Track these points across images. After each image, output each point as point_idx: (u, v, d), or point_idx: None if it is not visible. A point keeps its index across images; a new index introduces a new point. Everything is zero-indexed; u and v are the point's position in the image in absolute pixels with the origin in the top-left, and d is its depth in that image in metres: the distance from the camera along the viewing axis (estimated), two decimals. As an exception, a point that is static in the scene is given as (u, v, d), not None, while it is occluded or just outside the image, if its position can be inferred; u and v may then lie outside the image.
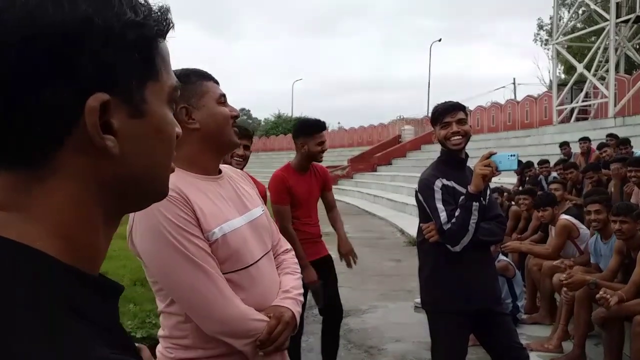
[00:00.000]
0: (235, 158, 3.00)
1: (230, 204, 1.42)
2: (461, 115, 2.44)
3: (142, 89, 0.54)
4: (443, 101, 2.54)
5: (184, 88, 1.33)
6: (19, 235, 0.48)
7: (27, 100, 0.48)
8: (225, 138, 1.43)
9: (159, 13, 0.56)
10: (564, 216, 4.55)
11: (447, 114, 2.42)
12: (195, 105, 1.38)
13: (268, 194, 3.23)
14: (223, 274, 1.34)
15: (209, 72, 1.48)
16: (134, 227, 1.33)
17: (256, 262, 1.42)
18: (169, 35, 0.58)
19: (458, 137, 2.39)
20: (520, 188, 6.78)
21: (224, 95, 1.43)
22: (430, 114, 2.59)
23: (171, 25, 0.58)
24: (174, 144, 0.60)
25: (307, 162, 3.30)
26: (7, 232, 0.48)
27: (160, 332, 1.44)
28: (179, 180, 1.33)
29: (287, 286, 1.49)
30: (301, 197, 3.26)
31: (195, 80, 1.40)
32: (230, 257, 1.36)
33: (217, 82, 1.45)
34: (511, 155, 2.34)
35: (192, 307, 1.32)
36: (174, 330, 1.38)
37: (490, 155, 2.34)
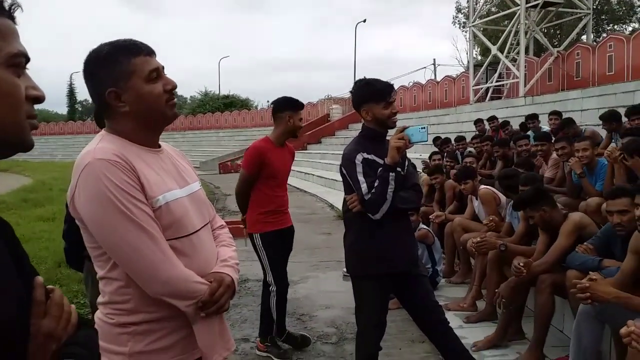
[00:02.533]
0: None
1: (171, 176, 1.46)
2: (395, 95, 2.62)
3: None
4: (371, 78, 2.63)
5: (111, 70, 1.36)
6: None
7: None
8: (158, 115, 1.43)
9: None
10: (483, 187, 4.94)
11: (390, 93, 2.56)
12: (123, 87, 1.37)
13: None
14: (167, 240, 1.38)
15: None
16: (76, 192, 1.34)
17: (197, 231, 1.48)
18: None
19: (395, 118, 2.59)
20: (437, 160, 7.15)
21: (155, 70, 1.40)
22: (360, 90, 2.62)
23: (15, 5, 0.74)
24: (16, 101, 0.74)
25: (287, 136, 3.54)
26: None
27: (100, 299, 1.45)
28: (124, 149, 1.37)
29: (225, 256, 1.56)
30: (278, 168, 3.49)
31: (123, 60, 1.37)
32: (173, 225, 1.40)
33: (150, 53, 1.42)
34: (422, 128, 2.53)
35: (136, 269, 1.35)
36: (115, 296, 1.40)
37: (404, 129, 2.53)
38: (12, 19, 0.75)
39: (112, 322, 1.39)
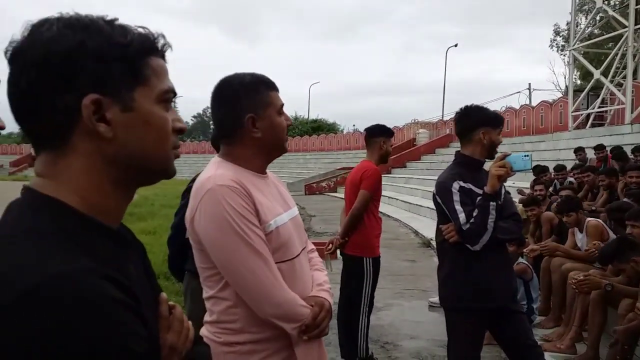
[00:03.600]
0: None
1: (277, 201, 1.55)
2: None
3: (131, 91, 0.76)
4: (473, 104, 2.68)
5: (253, 98, 1.49)
6: (52, 193, 0.74)
7: (47, 103, 0.71)
8: (279, 146, 1.57)
9: (151, 37, 0.80)
10: (591, 219, 4.60)
11: (502, 122, 2.67)
12: (260, 115, 1.50)
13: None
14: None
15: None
16: (197, 214, 1.43)
17: (298, 255, 1.54)
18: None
19: None
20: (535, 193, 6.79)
21: (282, 105, 1.55)
22: (477, 114, 2.64)
23: (167, 45, 0.83)
24: (165, 133, 0.82)
25: (381, 160, 3.72)
26: (45, 190, 0.74)
27: (208, 318, 1.52)
28: (239, 175, 1.47)
29: (320, 280, 1.61)
30: (380, 191, 3.72)
31: (263, 91, 1.51)
32: (281, 248, 1.48)
33: (278, 90, 1.56)
34: (525, 156, 2.43)
35: (250, 291, 1.41)
36: (223, 315, 1.46)
37: (505, 156, 2.43)
38: (164, 57, 0.83)
39: (219, 340, 1.46)
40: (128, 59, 0.75)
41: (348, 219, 3.61)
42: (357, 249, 3.57)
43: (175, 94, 0.84)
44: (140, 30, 0.79)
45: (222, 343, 1.44)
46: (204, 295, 1.54)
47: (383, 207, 16.38)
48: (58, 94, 0.71)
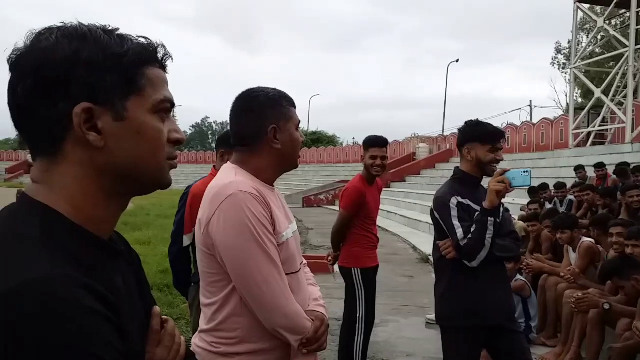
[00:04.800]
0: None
1: (284, 214, 1.56)
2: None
3: (124, 101, 0.76)
4: (482, 121, 2.63)
5: (276, 110, 1.53)
6: (44, 199, 0.74)
7: (42, 111, 0.72)
8: (293, 160, 1.61)
9: (149, 47, 0.80)
10: (586, 239, 4.56)
11: (499, 139, 2.54)
12: (282, 127, 1.54)
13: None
14: None
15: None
16: (214, 219, 1.41)
17: (299, 269, 1.56)
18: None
19: (497, 165, 2.53)
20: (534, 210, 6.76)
21: (300, 122, 1.61)
22: (469, 129, 2.60)
23: (167, 56, 0.83)
24: (158, 144, 0.80)
25: (368, 174, 3.57)
26: (38, 197, 0.75)
27: (204, 326, 1.49)
28: (256, 184, 1.47)
29: (316, 295, 1.62)
30: (372, 205, 3.57)
31: (285, 105, 1.56)
32: (288, 260, 1.48)
33: (296, 107, 1.62)
34: (524, 172, 2.40)
35: (262, 300, 1.39)
36: (225, 324, 1.44)
37: (504, 172, 2.41)
38: (164, 68, 0.83)
39: (216, 350, 1.43)
40: (122, 68, 0.75)
41: (331, 236, 3.68)
42: (346, 260, 3.56)
43: (173, 105, 0.83)
44: (141, 40, 0.79)
45: (219, 353, 1.42)
46: (204, 301, 1.51)
47: (381, 222, 16.38)
48: (52, 102, 0.72)
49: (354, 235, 3.54)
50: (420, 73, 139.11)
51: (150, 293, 0.94)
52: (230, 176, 1.48)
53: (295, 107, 1.61)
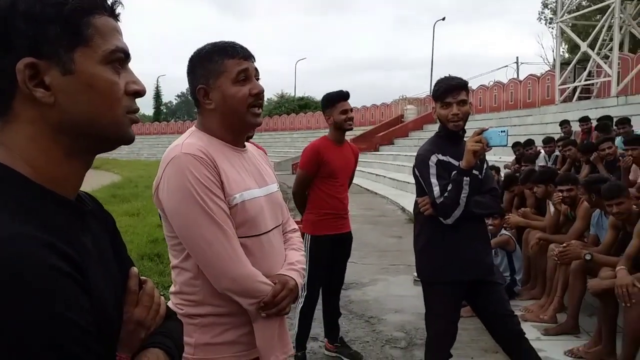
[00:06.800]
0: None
1: (251, 176, 1.50)
2: (463, 95, 2.44)
3: (70, 53, 0.72)
4: (446, 76, 2.55)
5: (205, 68, 1.44)
6: (1, 160, 0.71)
7: None
8: (238, 119, 1.46)
9: None
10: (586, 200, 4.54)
11: (449, 93, 2.43)
12: (212, 85, 1.45)
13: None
14: (238, 237, 1.42)
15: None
16: (161, 183, 1.41)
17: (268, 232, 1.50)
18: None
19: (458, 121, 2.45)
20: (517, 166, 6.82)
21: (244, 72, 1.43)
22: (432, 90, 2.59)
23: (117, 3, 0.78)
24: (113, 96, 0.77)
25: (338, 134, 3.37)
26: None
27: (172, 289, 1.52)
28: (209, 146, 1.43)
29: (293, 259, 1.58)
30: (335, 164, 3.33)
31: (217, 60, 1.43)
32: (246, 223, 1.44)
33: (246, 57, 1.45)
34: (501, 131, 2.40)
35: (207, 262, 1.39)
36: (185, 286, 1.45)
37: (482, 131, 2.41)
38: (115, 16, 0.78)
39: (181, 312, 1.44)
40: (64, 18, 0.71)
41: (293, 200, 3.51)
42: (304, 227, 3.35)
43: (127, 55, 0.79)
44: None
45: (183, 315, 1.42)
46: (171, 265, 1.52)
47: (370, 185, 16.45)
48: None
49: (313, 200, 3.37)
50: (410, 33, 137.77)
51: (127, 255, 0.93)
52: (182, 139, 1.46)
53: (239, 57, 1.43)
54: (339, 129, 3.34)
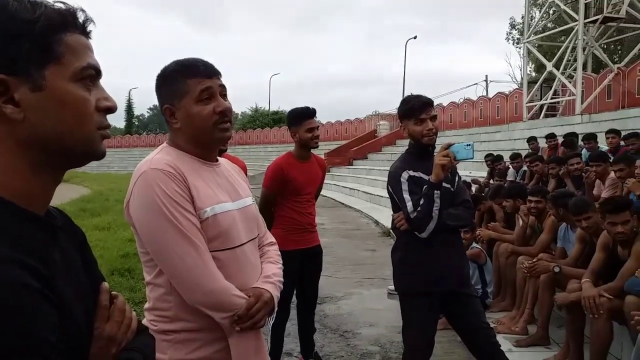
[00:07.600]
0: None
1: (223, 189, 1.50)
2: (434, 111, 2.57)
3: (41, 70, 0.72)
4: (412, 94, 2.65)
5: (169, 88, 1.44)
6: None
7: None
8: (205, 136, 1.45)
9: (66, 12, 0.76)
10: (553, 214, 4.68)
11: (423, 110, 2.52)
12: (177, 105, 1.45)
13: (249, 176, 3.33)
14: (210, 251, 1.40)
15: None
16: (131, 198, 1.40)
17: (242, 245, 1.49)
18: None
19: (432, 135, 2.53)
20: (490, 181, 6.99)
21: (206, 90, 1.42)
22: (400, 108, 2.63)
23: (88, 21, 0.79)
24: (84, 113, 0.77)
25: (303, 150, 3.34)
26: None
27: (146, 305, 1.50)
28: (179, 161, 1.42)
29: (269, 272, 1.57)
30: (300, 181, 3.29)
31: (180, 80, 1.43)
32: (219, 237, 1.43)
33: (209, 75, 1.44)
34: (467, 145, 2.47)
35: (178, 278, 1.38)
36: (158, 302, 1.44)
37: (449, 146, 2.49)
38: (86, 34, 0.79)
39: (154, 328, 1.41)
40: (34, 36, 0.72)
41: None
42: None
43: (98, 72, 0.80)
44: (58, 5, 0.75)
45: (157, 331, 1.40)
46: (145, 281, 1.50)
47: (344, 198, 16.50)
48: None
49: (279, 216, 3.33)
50: (382, 51, 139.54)
51: (98, 270, 0.93)
52: (152, 154, 1.46)
53: (201, 75, 1.42)
54: (304, 145, 3.32)
